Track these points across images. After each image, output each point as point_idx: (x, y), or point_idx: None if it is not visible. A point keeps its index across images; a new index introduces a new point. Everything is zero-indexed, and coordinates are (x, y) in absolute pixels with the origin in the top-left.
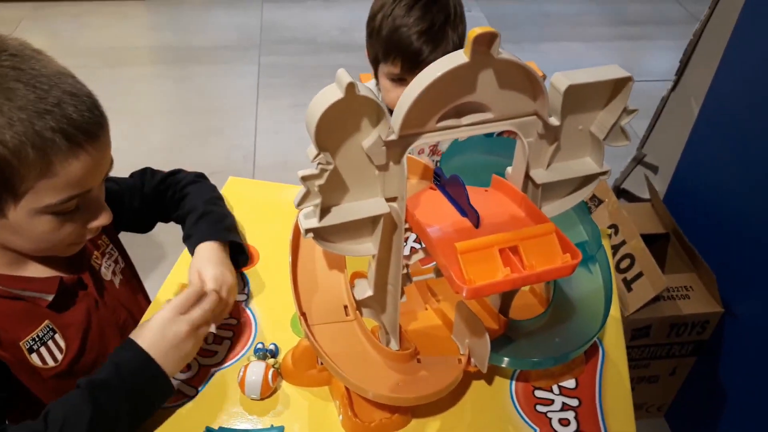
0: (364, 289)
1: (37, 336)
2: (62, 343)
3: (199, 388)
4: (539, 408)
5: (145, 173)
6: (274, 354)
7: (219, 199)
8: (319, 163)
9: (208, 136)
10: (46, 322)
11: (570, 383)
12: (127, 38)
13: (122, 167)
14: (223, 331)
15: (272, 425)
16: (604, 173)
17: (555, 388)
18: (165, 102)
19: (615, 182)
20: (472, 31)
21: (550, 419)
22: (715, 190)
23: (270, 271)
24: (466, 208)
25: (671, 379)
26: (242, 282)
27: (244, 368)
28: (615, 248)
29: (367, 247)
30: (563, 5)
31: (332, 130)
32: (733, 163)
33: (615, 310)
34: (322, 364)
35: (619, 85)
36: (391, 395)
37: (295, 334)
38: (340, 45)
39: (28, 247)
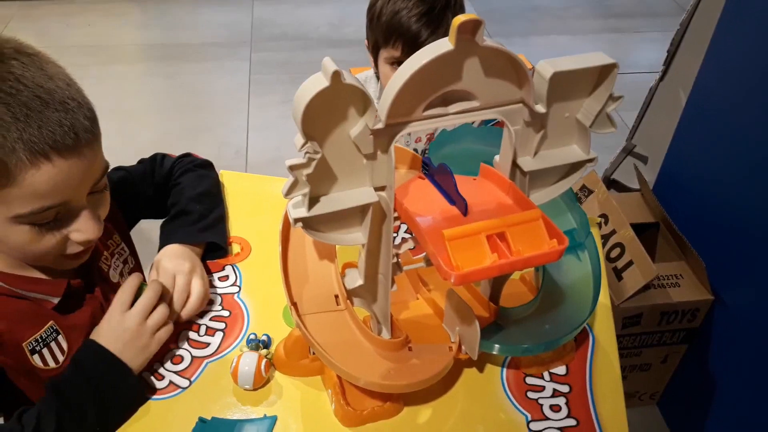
0: (355, 279)
1: (41, 337)
2: (65, 345)
3: (192, 379)
4: (530, 394)
5: (155, 159)
6: (266, 344)
7: (206, 195)
8: (306, 152)
9: (199, 133)
10: (51, 323)
11: (561, 370)
12: (116, 36)
13: (113, 165)
14: (215, 322)
15: (265, 415)
16: (590, 160)
17: (546, 374)
18: (155, 100)
19: (605, 173)
20: (457, 18)
21: (541, 405)
22: (703, 179)
23: (261, 263)
24: (454, 197)
25: (663, 366)
26: (235, 274)
27: (237, 359)
28: (605, 238)
29: (357, 236)
30: None
31: (319, 119)
32: (720, 152)
33: (605, 298)
34: (314, 353)
35: (604, 72)
36: (382, 382)
37: (287, 325)
38: (331, 41)
39: (15, 256)
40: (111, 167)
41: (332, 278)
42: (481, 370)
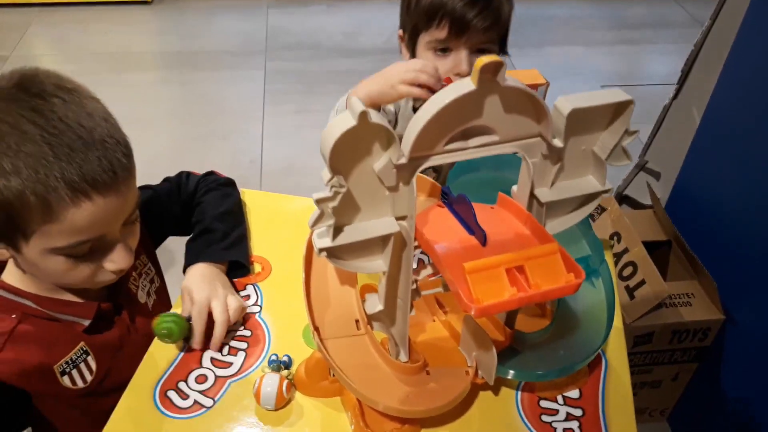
0: (375, 304)
1: (71, 359)
2: (93, 365)
3: (216, 399)
4: (544, 418)
5: (181, 177)
6: (287, 365)
7: (229, 214)
8: (332, 186)
9: (214, 141)
10: (81, 344)
11: (574, 393)
12: (133, 43)
13: None
14: (237, 342)
15: None
16: (606, 191)
17: (559, 398)
18: (171, 107)
19: (618, 188)
20: (480, 60)
21: (555, 429)
22: (716, 198)
23: (282, 282)
24: (473, 227)
25: (674, 384)
26: (256, 293)
27: (259, 380)
28: (618, 256)
29: (378, 264)
30: (565, 9)
31: (345, 155)
32: (734, 171)
33: (617, 320)
34: (334, 375)
35: (620, 108)
36: (401, 408)
37: (307, 345)
38: (345, 50)
39: (49, 282)
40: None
41: (353, 303)
42: (496, 392)
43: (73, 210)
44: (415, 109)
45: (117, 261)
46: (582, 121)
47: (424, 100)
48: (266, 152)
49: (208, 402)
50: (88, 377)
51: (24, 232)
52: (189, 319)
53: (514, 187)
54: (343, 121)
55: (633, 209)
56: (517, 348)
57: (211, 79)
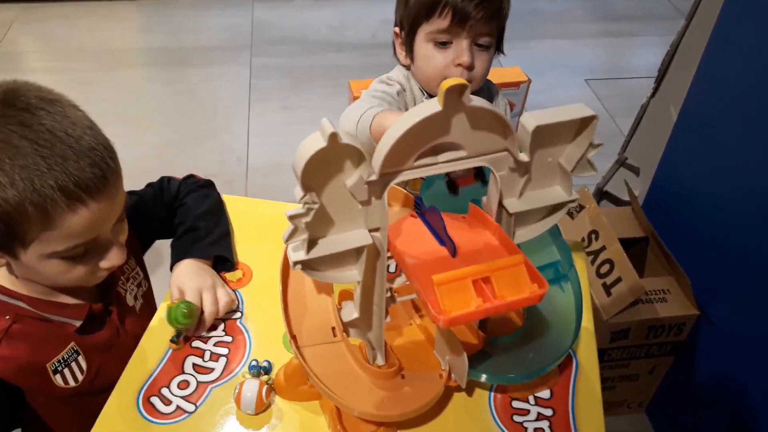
0: (351, 312)
1: (63, 358)
2: (84, 365)
3: (198, 404)
4: (516, 418)
5: (163, 181)
6: (267, 370)
7: (211, 213)
8: (305, 203)
9: (200, 138)
10: (72, 344)
11: (545, 394)
12: (118, 40)
13: None
14: (219, 348)
15: None
16: (572, 201)
17: (531, 398)
18: (157, 104)
19: (598, 185)
20: (445, 83)
21: (526, 429)
22: (691, 194)
23: (263, 289)
24: (443, 238)
25: (650, 377)
26: (237, 299)
27: (240, 385)
28: (595, 253)
29: (353, 274)
30: (551, 2)
31: (317, 173)
32: (709, 168)
33: (588, 322)
34: None
35: (585, 123)
36: (376, 412)
37: (286, 350)
38: (332, 44)
39: (46, 283)
40: None
41: (329, 311)
42: (470, 393)
43: (69, 216)
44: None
45: (111, 259)
46: (547, 135)
47: None
48: (252, 149)
49: (190, 407)
50: (80, 377)
51: (23, 240)
52: None
53: (484, 198)
54: (313, 142)
55: (613, 205)
56: (489, 351)
57: (198, 76)
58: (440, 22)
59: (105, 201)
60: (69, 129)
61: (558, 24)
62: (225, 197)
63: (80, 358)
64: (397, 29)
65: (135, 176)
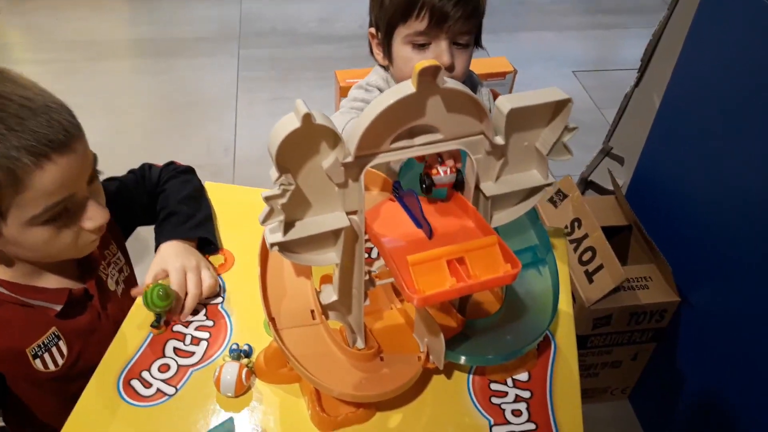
0: (330, 295)
1: (43, 342)
2: (65, 349)
3: (178, 387)
4: (494, 400)
5: (144, 168)
6: (248, 354)
7: (192, 198)
8: (281, 184)
9: (188, 129)
10: (53, 329)
11: (523, 376)
12: (106, 31)
13: (104, 162)
14: (200, 332)
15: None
16: (549, 184)
17: (509, 381)
18: (145, 96)
19: (582, 174)
20: (419, 64)
21: (504, 410)
22: (673, 183)
23: (244, 274)
24: (420, 221)
25: (633, 363)
26: (220, 283)
27: (220, 368)
28: (578, 241)
29: (331, 256)
30: None
31: (292, 154)
32: (690, 157)
33: (567, 306)
34: None
35: (559, 106)
36: (354, 393)
37: (267, 335)
38: (320, 36)
39: (35, 257)
40: (104, 176)
41: (308, 294)
42: (449, 376)
43: (39, 174)
44: None
45: (93, 217)
46: (522, 119)
47: None
48: (240, 141)
49: (170, 390)
50: (60, 361)
51: (0, 211)
52: None
53: None
54: (287, 123)
55: (598, 194)
56: (468, 334)
57: (185, 67)
58: (417, 24)
59: (71, 155)
60: (20, 91)
61: (546, 15)
62: (208, 184)
63: (61, 343)
64: (372, 30)
65: (122, 167)
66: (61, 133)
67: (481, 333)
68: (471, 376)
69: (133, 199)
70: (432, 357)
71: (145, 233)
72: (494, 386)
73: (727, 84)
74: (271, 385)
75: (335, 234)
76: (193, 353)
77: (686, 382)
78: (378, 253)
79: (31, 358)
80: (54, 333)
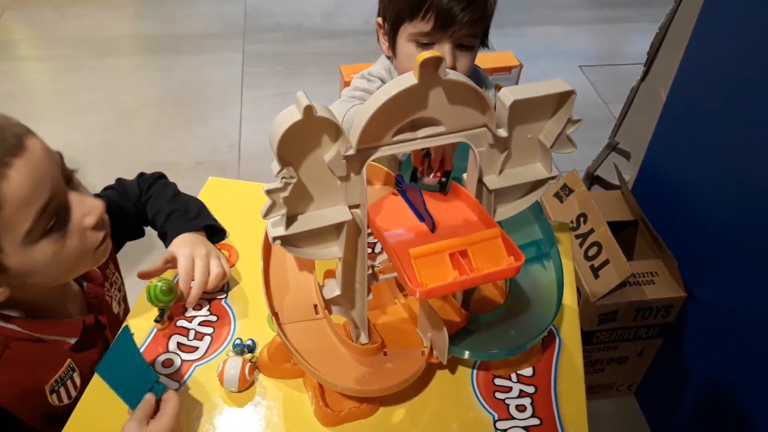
0: (333, 289)
1: (60, 377)
2: (78, 381)
3: (182, 382)
4: (498, 395)
5: (120, 182)
6: (251, 349)
7: (179, 195)
8: (282, 177)
9: (193, 126)
10: (68, 361)
11: (527, 371)
12: (110, 27)
13: (110, 160)
14: (203, 327)
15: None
16: (552, 178)
17: (513, 376)
18: (149, 92)
19: (588, 169)
20: (421, 55)
21: (508, 405)
22: (679, 177)
23: (248, 269)
24: (423, 214)
25: (639, 359)
26: (229, 274)
27: (223, 363)
28: (584, 236)
29: (333, 250)
30: None
31: (294, 147)
32: (696, 151)
33: (571, 300)
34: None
35: (563, 98)
36: (357, 387)
37: (271, 330)
38: (325, 31)
39: (55, 278)
40: (111, 176)
41: (311, 288)
42: (452, 371)
43: (5, 184)
44: None
45: (90, 211)
46: (525, 111)
47: None
48: (245, 136)
49: (174, 385)
50: (73, 393)
51: None
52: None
53: (464, 175)
54: (288, 115)
55: (604, 189)
56: (472, 329)
57: (190, 64)
58: (423, 25)
59: (30, 155)
60: None
61: (551, 10)
62: (212, 179)
63: (75, 375)
64: (380, 20)
65: (127, 164)
66: (9, 138)
67: (485, 328)
68: (475, 371)
69: (121, 213)
70: (436, 352)
71: (127, 247)
72: (498, 381)
73: (734, 77)
74: (274, 380)
75: (338, 228)
76: (196, 348)
77: (693, 378)
78: (381, 248)
79: (48, 394)
80: (69, 366)
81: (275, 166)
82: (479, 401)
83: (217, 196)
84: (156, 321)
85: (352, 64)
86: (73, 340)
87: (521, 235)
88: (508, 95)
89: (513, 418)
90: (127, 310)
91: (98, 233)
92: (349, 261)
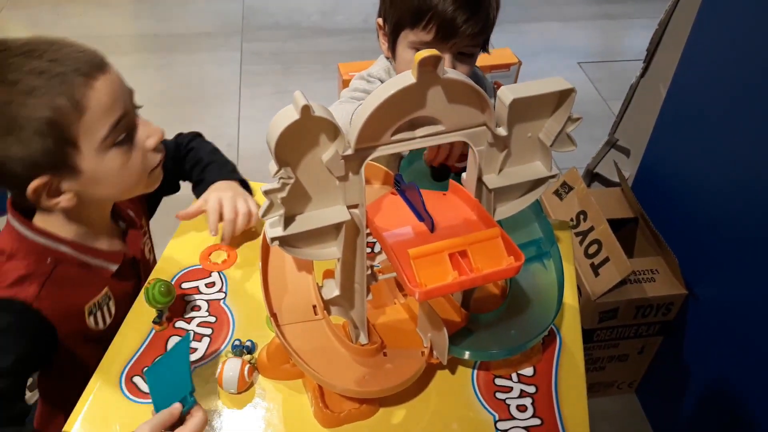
0: (332, 290)
1: (98, 301)
2: (113, 309)
3: None
4: (498, 395)
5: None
6: (250, 350)
7: (218, 152)
8: (280, 178)
9: (191, 124)
10: (106, 289)
11: (528, 371)
12: (108, 26)
13: None
14: (202, 328)
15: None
16: (553, 176)
17: (514, 375)
18: (147, 91)
19: (588, 166)
20: (418, 54)
21: (509, 405)
22: (679, 174)
23: (247, 270)
24: (422, 214)
25: (640, 357)
26: (221, 280)
27: (222, 364)
28: (584, 234)
29: (332, 251)
30: None
31: (291, 147)
32: (696, 148)
33: (572, 299)
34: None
35: (563, 96)
36: (356, 389)
37: (270, 331)
38: (323, 30)
39: (115, 191)
40: None
41: (310, 289)
42: (453, 371)
43: (91, 93)
44: None
45: (152, 134)
46: (525, 109)
47: None
48: (243, 135)
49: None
50: (108, 320)
51: (74, 141)
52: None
53: (464, 174)
54: (286, 115)
55: (604, 187)
56: (472, 329)
57: (188, 62)
58: (424, 35)
59: (111, 73)
60: (46, 40)
61: (550, 6)
62: None
63: (111, 303)
64: (380, 21)
65: None
66: (94, 56)
67: (486, 327)
68: (475, 371)
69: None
70: (436, 352)
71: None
72: (499, 381)
73: (733, 74)
74: (273, 382)
75: (336, 228)
76: (195, 349)
77: (694, 376)
78: (380, 248)
79: (87, 315)
80: (107, 293)
81: (273, 166)
82: (480, 401)
83: None
84: (154, 322)
85: (350, 62)
86: (114, 267)
87: (521, 234)
88: (507, 94)
89: (514, 418)
90: (155, 260)
91: (156, 155)
92: (348, 261)
